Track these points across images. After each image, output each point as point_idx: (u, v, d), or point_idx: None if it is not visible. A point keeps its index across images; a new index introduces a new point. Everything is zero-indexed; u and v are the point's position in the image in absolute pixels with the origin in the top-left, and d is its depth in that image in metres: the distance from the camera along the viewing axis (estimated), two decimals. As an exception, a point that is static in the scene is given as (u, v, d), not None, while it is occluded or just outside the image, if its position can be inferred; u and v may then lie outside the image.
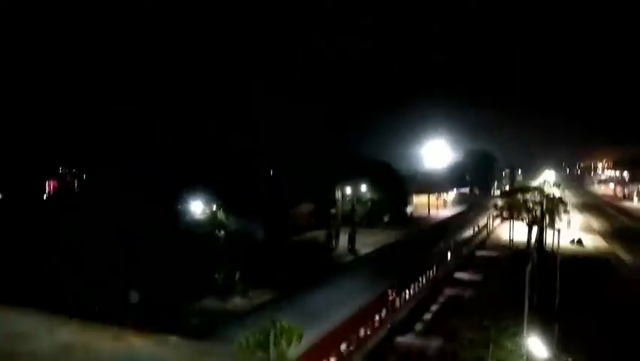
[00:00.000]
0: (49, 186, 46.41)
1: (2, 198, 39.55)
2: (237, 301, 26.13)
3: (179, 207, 33.86)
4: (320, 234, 43.89)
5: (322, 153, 54.89)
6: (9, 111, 43.95)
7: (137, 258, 24.36)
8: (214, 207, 33.94)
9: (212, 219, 33.34)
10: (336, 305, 15.94)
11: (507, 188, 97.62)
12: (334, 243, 41.45)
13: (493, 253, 41.75)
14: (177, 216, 32.28)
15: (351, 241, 43.62)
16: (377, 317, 18.41)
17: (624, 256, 45.53)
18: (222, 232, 33.34)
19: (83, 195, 40.89)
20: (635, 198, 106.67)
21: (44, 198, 42.58)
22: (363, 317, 16.96)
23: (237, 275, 28.40)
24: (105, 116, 48.62)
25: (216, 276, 27.77)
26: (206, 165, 44.37)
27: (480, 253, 42.14)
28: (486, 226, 50.46)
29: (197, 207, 34.14)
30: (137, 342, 12.45)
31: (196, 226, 32.23)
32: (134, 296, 24.34)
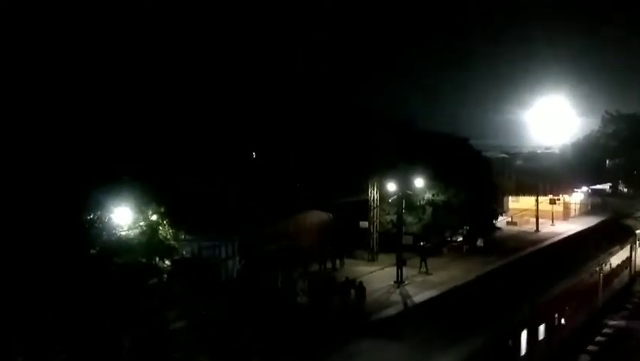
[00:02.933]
0: None
1: None
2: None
3: (91, 215, 33.19)
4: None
5: (345, 122, 54.14)
6: None
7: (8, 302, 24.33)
8: (152, 217, 33.85)
9: (148, 238, 33.49)
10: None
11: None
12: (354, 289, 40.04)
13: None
14: (86, 232, 32.30)
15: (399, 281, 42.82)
16: None
17: None
18: (167, 262, 33.94)
19: None
20: None
21: None
22: None
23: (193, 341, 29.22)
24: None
25: (158, 341, 28.30)
26: (138, 143, 44.10)
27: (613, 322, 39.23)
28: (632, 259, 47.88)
29: (124, 217, 33.67)
30: None
31: (122, 248, 32.43)
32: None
